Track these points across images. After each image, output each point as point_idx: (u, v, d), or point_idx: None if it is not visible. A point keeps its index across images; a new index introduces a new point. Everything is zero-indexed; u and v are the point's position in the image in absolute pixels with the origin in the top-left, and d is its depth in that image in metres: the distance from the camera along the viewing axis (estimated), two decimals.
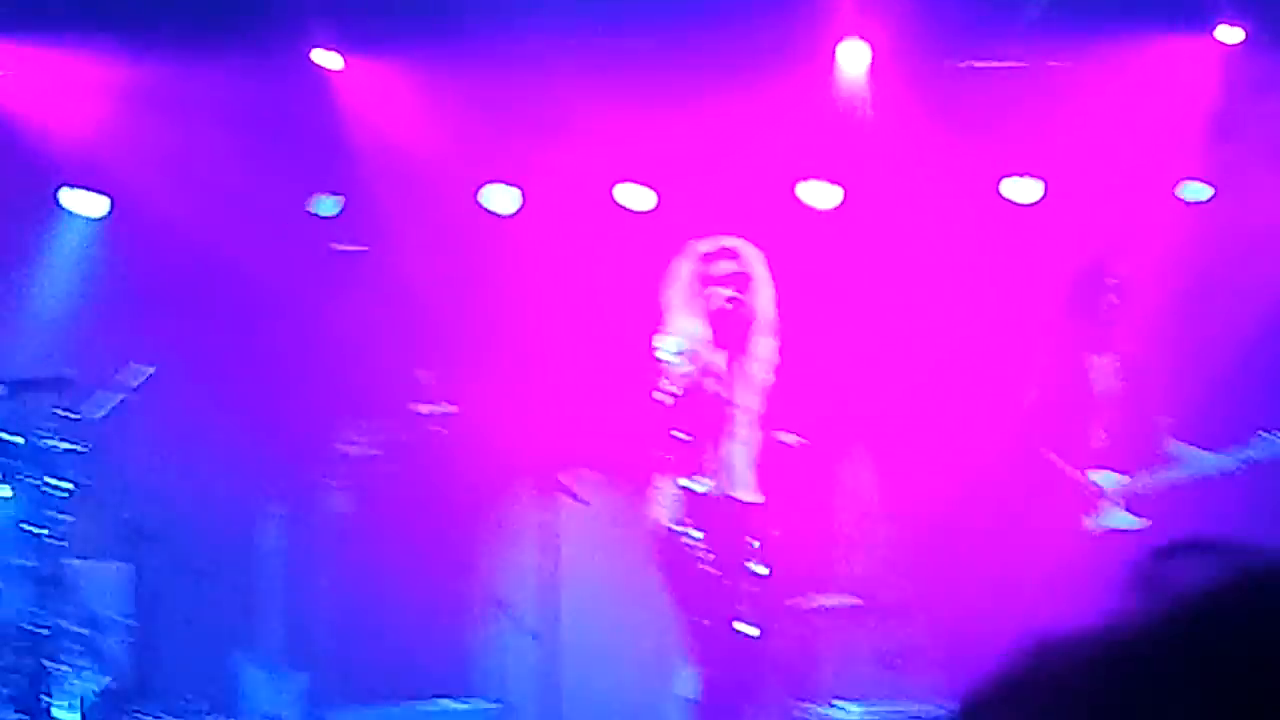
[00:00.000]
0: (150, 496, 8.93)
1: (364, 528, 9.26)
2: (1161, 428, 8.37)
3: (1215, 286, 9.58)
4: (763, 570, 7.27)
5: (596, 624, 9.73)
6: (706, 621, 7.16)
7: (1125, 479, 8.30)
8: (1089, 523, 8.25)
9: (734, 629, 7.17)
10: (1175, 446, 8.35)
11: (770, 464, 7.38)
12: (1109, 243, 8.98)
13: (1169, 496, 8.27)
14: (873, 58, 9.42)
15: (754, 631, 7.22)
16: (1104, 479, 8.29)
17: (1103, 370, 8.44)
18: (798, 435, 7.43)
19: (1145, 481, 8.31)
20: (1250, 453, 8.10)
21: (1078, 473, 8.31)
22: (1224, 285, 9.66)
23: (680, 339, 7.28)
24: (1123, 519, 8.25)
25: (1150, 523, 8.19)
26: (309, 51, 9.33)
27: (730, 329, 7.27)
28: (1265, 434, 8.10)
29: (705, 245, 7.44)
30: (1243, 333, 9.52)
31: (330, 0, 9.17)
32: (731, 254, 7.39)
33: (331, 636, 9.09)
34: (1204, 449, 8.28)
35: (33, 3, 8.90)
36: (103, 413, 8.50)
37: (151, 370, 8.78)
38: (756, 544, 7.25)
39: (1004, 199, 10.06)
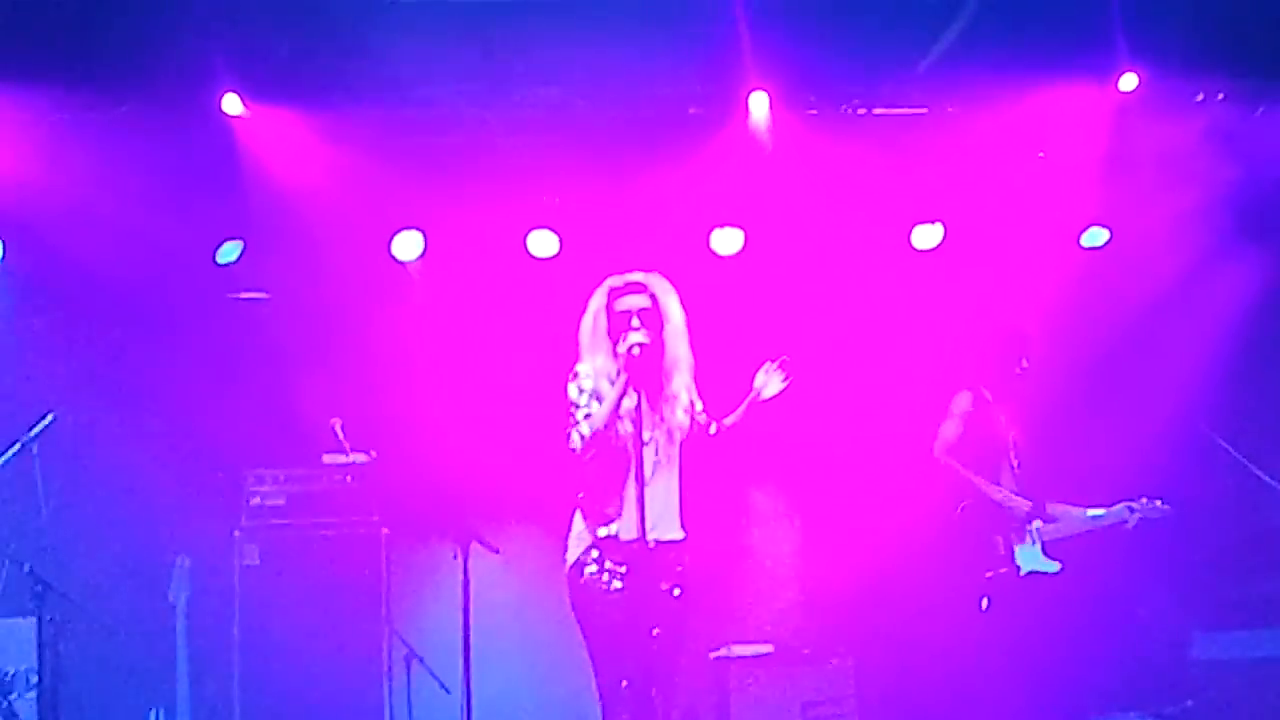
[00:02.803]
0: (54, 548, 8.72)
1: (274, 578, 9.07)
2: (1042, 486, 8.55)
3: (1110, 331, 9.75)
4: (679, 615, 7.21)
5: (510, 674, 9.57)
6: (619, 669, 6.98)
7: (1040, 523, 8.43)
8: (1016, 555, 8.33)
9: (647, 677, 6.98)
10: (1050, 506, 8.54)
11: (686, 505, 7.20)
12: (1015, 283, 9.11)
13: (1082, 542, 8.41)
14: (774, 106, 9.47)
15: (666, 679, 7.15)
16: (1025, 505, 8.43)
17: (1004, 418, 8.59)
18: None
19: (1055, 528, 8.46)
20: (1132, 510, 8.38)
21: (1003, 493, 8.40)
22: (1119, 329, 9.84)
23: (589, 379, 7.14)
24: (1042, 561, 8.39)
25: (1061, 567, 8.33)
26: (215, 99, 9.22)
27: (642, 368, 7.03)
28: (1141, 501, 8.39)
29: (615, 280, 7.26)
30: (1137, 378, 9.69)
31: (235, 48, 9.07)
32: (641, 289, 7.21)
33: (243, 690, 8.90)
34: (1090, 500, 8.49)
35: None
36: (2, 462, 8.33)
37: (52, 418, 8.60)
38: (672, 582, 7.18)
39: (906, 242, 10.15)
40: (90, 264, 9.31)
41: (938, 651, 9.09)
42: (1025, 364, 8.63)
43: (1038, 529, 8.42)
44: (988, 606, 8.26)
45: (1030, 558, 8.40)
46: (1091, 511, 8.49)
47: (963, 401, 8.55)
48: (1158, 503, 8.38)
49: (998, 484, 8.49)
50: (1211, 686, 9.29)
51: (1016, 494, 8.48)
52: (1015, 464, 8.51)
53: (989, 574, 8.33)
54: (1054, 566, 8.39)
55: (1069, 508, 8.56)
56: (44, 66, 8.72)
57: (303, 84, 9.15)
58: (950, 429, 8.55)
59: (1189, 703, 9.43)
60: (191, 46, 8.68)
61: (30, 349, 9.45)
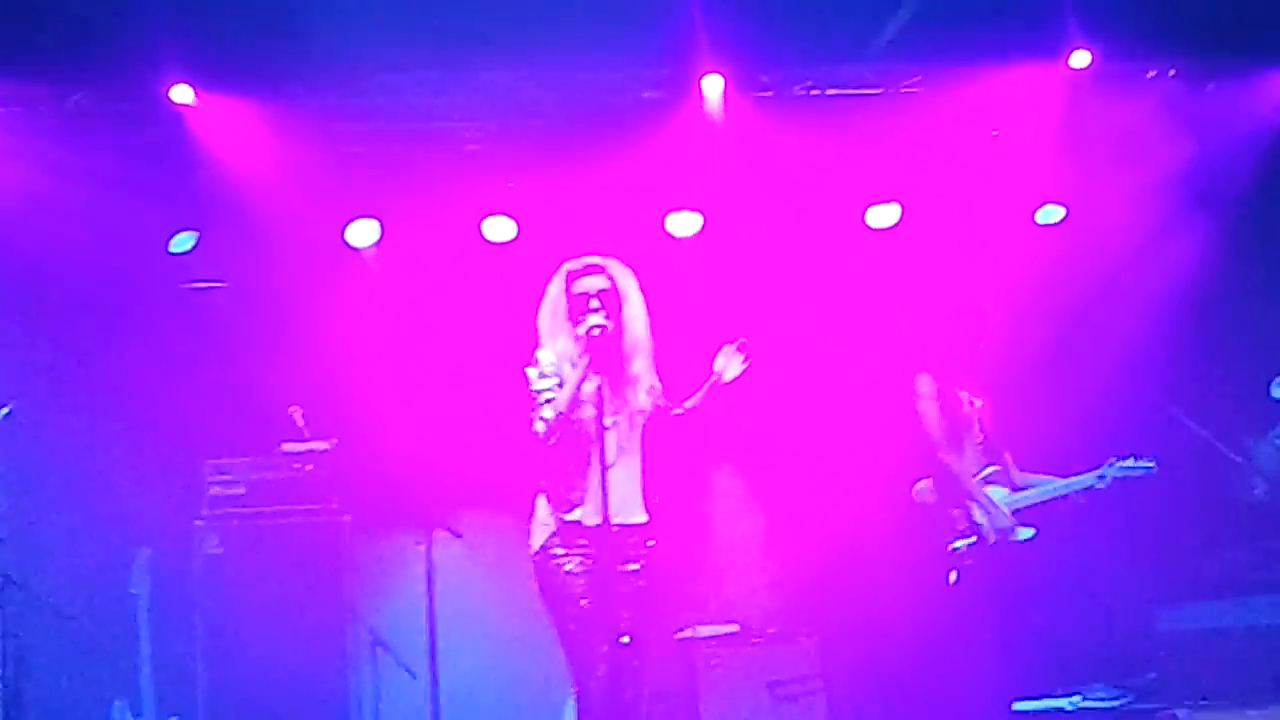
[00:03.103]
0: (15, 541, 8.61)
1: (236, 568, 9.02)
2: (1010, 455, 8.54)
3: (1067, 307, 9.81)
4: (644, 597, 7.23)
5: (475, 660, 9.56)
6: (586, 651, 7.03)
7: (1007, 491, 8.42)
8: (984, 532, 8.30)
9: (614, 659, 6.96)
10: (1023, 478, 8.54)
11: (649, 488, 7.25)
12: (972, 262, 9.14)
13: (1054, 508, 8.38)
14: (729, 89, 9.49)
15: (635, 662, 7.17)
16: (994, 493, 8.39)
17: (967, 397, 8.55)
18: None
19: (1023, 497, 8.44)
20: (1104, 473, 8.31)
21: (967, 477, 8.38)
22: (1076, 305, 9.90)
23: (549, 364, 7.10)
24: (1008, 500, 8.39)
25: (1036, 532, 8.32)
26: (165, 89, 9.17)
27: (602, 351, 7.02)
28: (1115, 460, 8.31)
29: (573, 264, 7.24)
30: (1096, 354, 9.75)
31: (186, 37, 9.02)
32: (598, 270, 7.20)
33: (208, 680, 8.85)
34: (1056, 472, 8.45)
35: None
36: None
37: (9, 409, 8.54)
38: (636, 565, 7.21)
39: (863, 223, 10.18)
40: (44, 256, 9.26)
41: (902, 627, 9.14)
42: (982, 343, 8.62)
43: (1013, 497, 8.43)
44: (956, 580, 8.28)
45: (998, 497, 8.42)
46: (1064, 482, 8.46)
47: (924, 384, 8.53)
48: (1130, 460, 8.33)
49: (964, 460, 8.46)
50: (1175, 658, 9.35)
51: (981, 468, 8.47)
52: (980, 440, 8.51)
53: (952, 548, 8.33)
54: (1027, 533, 8.38)
55: (1039, 476, 8.55)
56: None
57: (254, 72, 9.09)
58: (931, 418, 8.49)
59: (1152, 675, 9.49)
60: (142, 36, 8.62)
61: None
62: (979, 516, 8.30)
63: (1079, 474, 8.40)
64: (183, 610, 8.97)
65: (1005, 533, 8.30)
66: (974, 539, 8.29)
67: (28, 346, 9.38)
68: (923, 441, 8.44)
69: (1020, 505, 8.40)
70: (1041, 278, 9.62)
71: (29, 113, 8.98)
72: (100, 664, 8.98)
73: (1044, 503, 8.43)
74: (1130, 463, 8.33)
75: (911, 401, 8.49)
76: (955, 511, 8.36)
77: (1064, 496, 8.41)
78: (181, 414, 9.53)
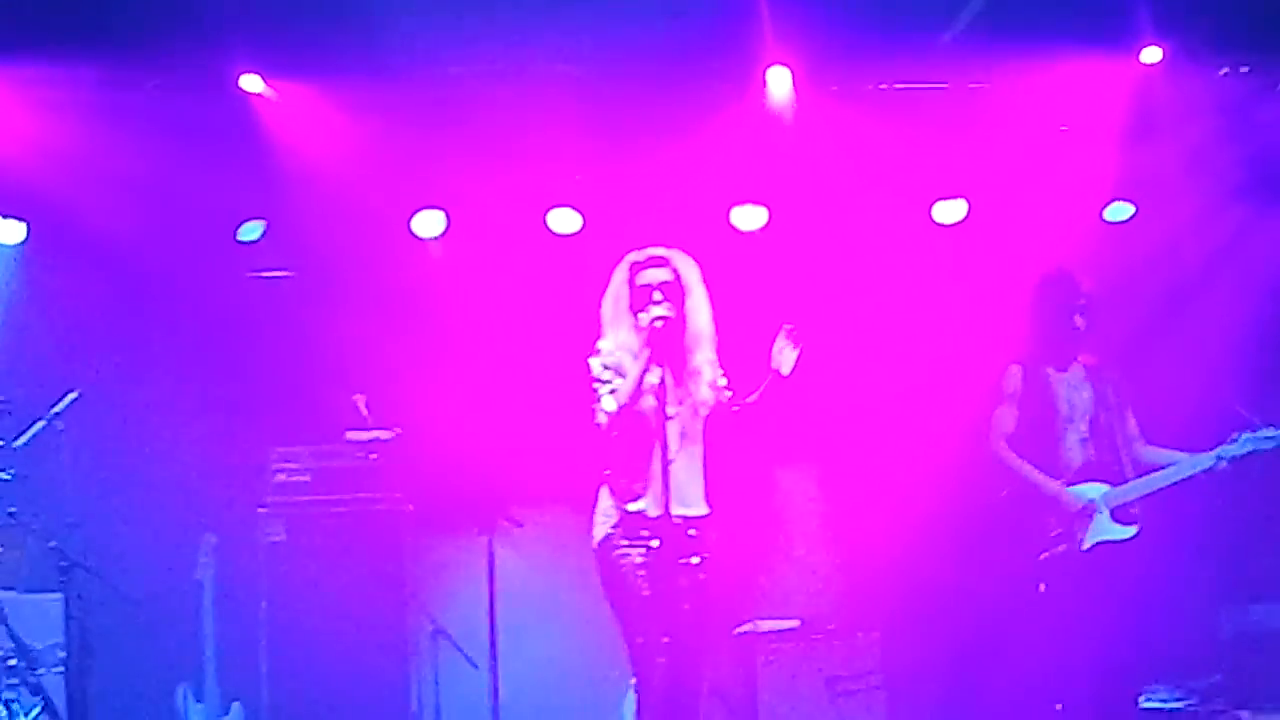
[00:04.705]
0: (79, 525, 8.72)
1: (300, 555, 9.12)
2: (1133, 434, 8.26)
3: (1135, 307, 9.73)
4: (705, 590, 7.24)
5: (536, 650, 9.58)
6: (647, 643, 6.97)
7: (1109, 489, 8.14)
8: (1078, 537, 8.09)
9: (675, 652, 6.95)
10: (1150, 451, 8.25)
11: (711, 481, 7.19)
12: (1040, 258, 9.06)
13: (1155, 502, 8.16)
14: (795, 82, 9.48)
15: (695, 655, 7.18)
16: (1089, 490, 8.13)
17: (1067, 384, 8.28)
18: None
19: (1130, 490, 8.15)
20: (1229, 450, 8.00)
21: (1057, 486, 8.13)
22: (1145, 305, 9.83)
23: (612, 355, 7.11)
24: (1112, 529, 8.13)
25: (1139, 530, 8.14)
26: (235, 77, 9.25)
27: (665, 342, 7.03)
28: (1239, 434, 8.01)
29: (637, 255, 7.26)
30: (1166, 353, 9.65)
31: (256, 25, 9.09)
32: (663, 262, 7.20)
33: (270, 666, 8.93)
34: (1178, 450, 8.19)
35: None
36: (29, 439, 8.39)
37: (76, 395, 8.62)
38: (698, 557, 7.22)
39: (929, 218, 10.15)
40: (114, 243, 9.36)
41: (966, 626, 9.11)
42: (1080, 321, 8.28)
43: (1103, 500, 8.15)
44: (1044, 589, 8.13)
45: (1098, 530, 8.15)
46: (1179, 464, 8.14)
47: (1013, 379, 8.30)
48: (1270, 431, 7.98)
49: (1060, 458, 8.22)
50: (1239, 660, 9.27)
51: (1085, 466, 8.23)
52: (1085, 431, 8.25)
53: (1044, 555, 8.12)
54: (1127, 532, 8.12)
55: (1166, 451, 8.27)
56: (64, 47, 8.73)
57: (323, 61, 9.16)
58: (1003, 416, 8.27)
59: (1216, 676, 9.43)
60: (213, 24, 8.68)
61: (56, 327, 9.46)
62: (1069, 520, 8.13)
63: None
64: (246, 596, 9.06)
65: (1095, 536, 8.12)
66: (1064, 546, 8.12)
67: (97, 333, 9.50)
68: (1001, 438, 8.27)
69: (1122, 502, 8.16)
70: (1108, 276, 9.56)
71: (101, 102, 9.03)
72: (164, 649, 9.06)
73: (1152, 493, 8.16)
74: (1271, 432, 7.99)
75: (990, 396, 8.36)
76: (1049, 519, 8.15)
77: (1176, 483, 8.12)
78: (247, 401, 9.61)
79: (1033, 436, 8.23)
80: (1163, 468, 8.18)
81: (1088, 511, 8.11)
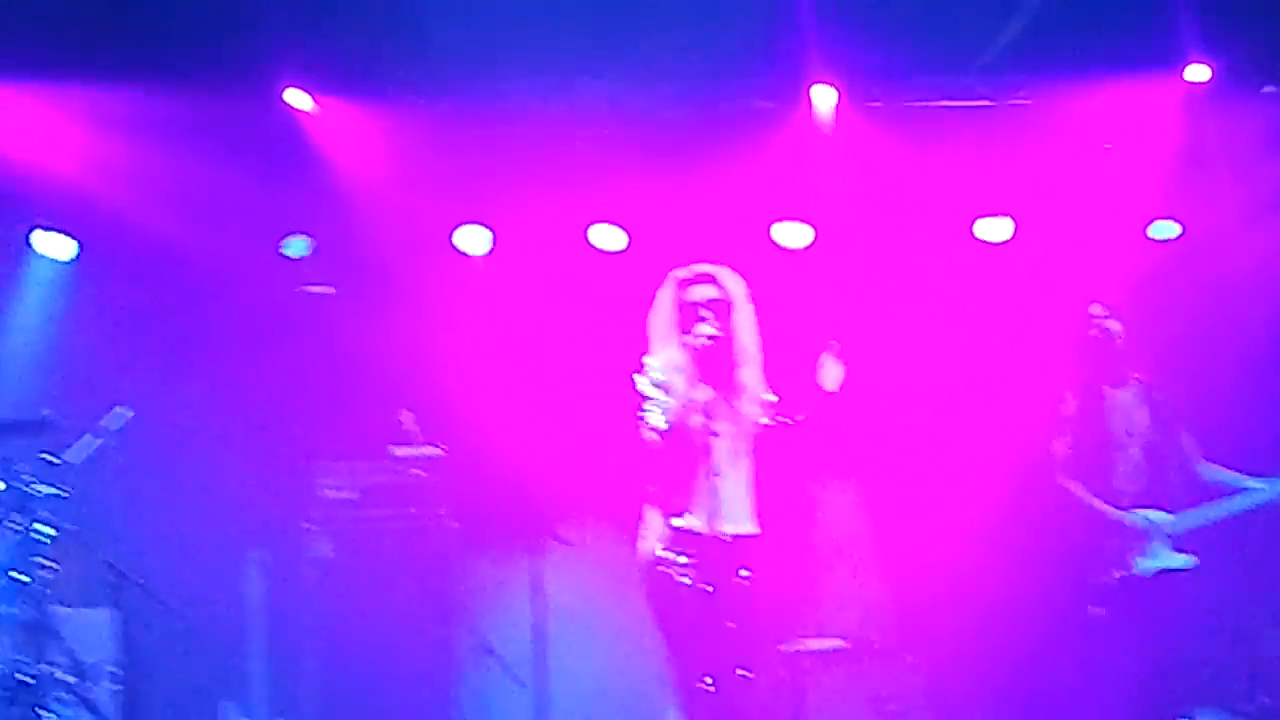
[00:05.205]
0: (133, 541, 8.82)
1: (346, 572, 9.14)
2: (1190, 453, 8.19)
3: (1192, 318, 9.67)
4: (751, 608, 7.24)
5: (582, 668, 9.57)
6: (693, 662, 6.93)
7: (1170, 516, 8.08)
8: (1137, 563, 8.03)
9: (721, 670, 6.94)
10: (1209, 470, 8.18)
11: (758, 498, 7.19)
12: (1086, 277, 9.05)
13: (1217, 530, 8.10)
14: (841, 100, 9.49)
15: (741, 673, 7.18)
16: (1150, 517, 8.07)
17: (1123, 403, 8.22)
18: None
19: (1190, 518, 8.11)
20: None
21: (1114, 511, 8.08)
22: (1201, 316, 9.77)
23: (659, 373, 7.08)
24: (1172, 558, 8.07)
25: (1197, 560, 8.06)
26: (281, 93, 9.33)
27: (712, 360, 7.07)
28: None
29: (683, 272, 7.27)
30: (1213, 374, 9.60)
31: (303, 42, 9.16)
32: (709, 279, 7.22)
33: (316, 683, 8.96)
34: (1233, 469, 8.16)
35: (6, 46, 8.87)
36: (83, 456, 8.44)
37: (130, 413, 8.67)
38: (745, 575, 7.18)
39: (974, 237, 10.14)
40: (161, 260, 9.44)
41: (1014, 650, 9.07)
42: (1120, 338, 8.22)
43: (1164, 527, 8.10)
44: (1096, 613, 8.10)
45: (1156, 557, 8.10)
46: (1240, 495, 8.10)
47: (1068, 402, 8.26)
48: None
49: (1117, 481, 8.17)
50: None
51: (1142, 487, 8.16)
52: (1142, 452, 8.19)
53: (1098, 579, 8.11)
54: (1187, 561, 8.08)
55: (1228, 471, 8.22)
56: (114, 64, 8.82)
57: (369, 78, 9.23)
58: (1060, 439, 8.23)
59: (1264, 699, 9.39)
60: (260, 41, 8.77)
61: (106, 343, 9.53)
62: (1126, 546, 8.08)
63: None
64: (293, 612, 9.11)
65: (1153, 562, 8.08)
66: (1120, 572, 8.08)
67: (146, 349, 9.55)
68: (1058, 461, 8.23)
69: (1185, 528, 8.09)
70: (1153, 294, 9.55)
71: (149, 119, 9.11)
72: (213, 664, 9.14)
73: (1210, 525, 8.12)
74: None
75: (1038, 415, 8.33)
76: (1108, 543, 8.10)
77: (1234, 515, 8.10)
78: (293, 417, 9.66)
79: (1090, 459, 8.18)
80: (1222, 489, 8.15)
81: (1146, 538, 8.07)
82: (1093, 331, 8.23)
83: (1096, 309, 8.24)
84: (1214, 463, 8.25)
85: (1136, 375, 8.27)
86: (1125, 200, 9.81)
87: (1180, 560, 8.09)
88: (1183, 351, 8.95)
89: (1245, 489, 8.13)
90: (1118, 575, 8.07)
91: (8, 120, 9.21)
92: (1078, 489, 8.16)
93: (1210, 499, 8.15)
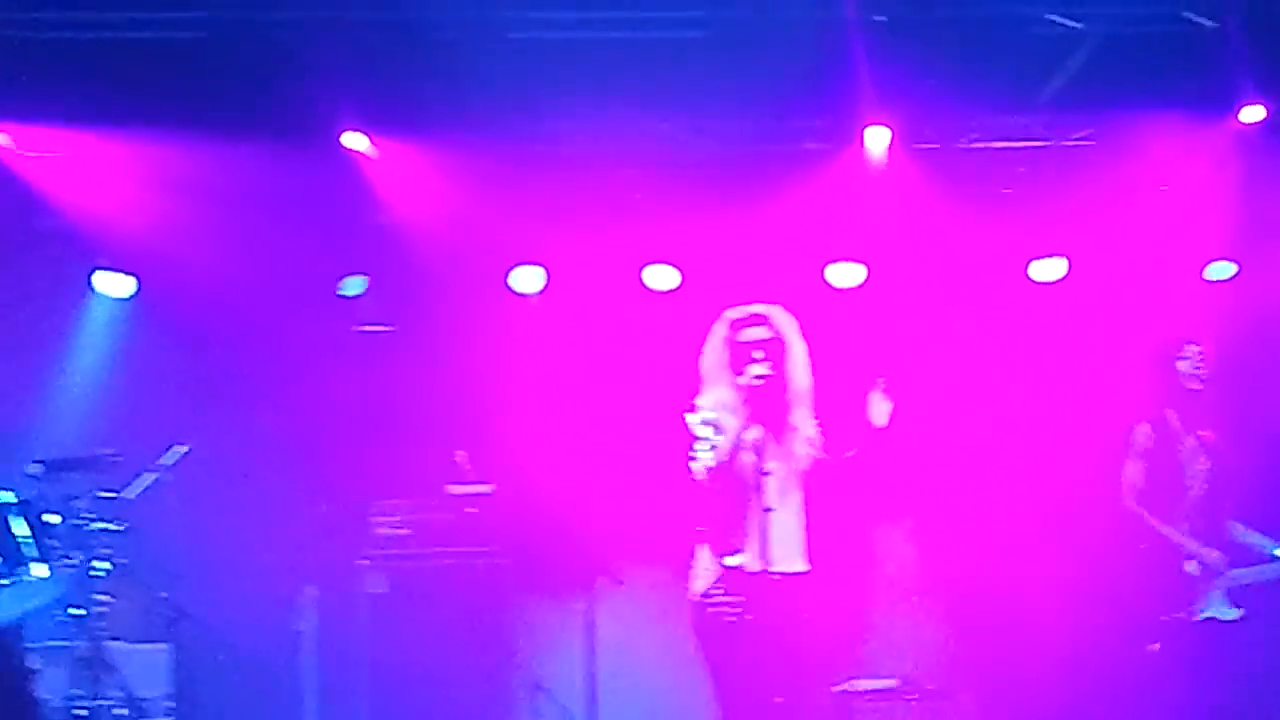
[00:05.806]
0: (187, 576, 8.86)
1: (400, 608, 9.19)
2: (1233, 512, 8.15)
3: (1246, 363, 9.60)
4: (803, 647, 7.23)
5: (634, 706, 9.58)
6: (742, 700, 6.96)
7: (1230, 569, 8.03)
8: (1196, 606, 7.97)
9: (771, 710, 6.92)
10: (1240, 532, 8.15)
11: (809, 537, 7.16)
12: (1140, 318, 9.01)
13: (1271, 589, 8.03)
14: (894, 141, 9.51)
15: (791, 713, 7.16)
16: (1215, 559, 8.01)
17: (1189, 447, 8.15)
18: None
19: (1249, 574, 8.05)
20: None
21: (1189, 542, 8.02)
22: (1258, 361, 9.71)
23: (710, 411, 7.07)
24: (1222, 608, 8.02)
25: (1244, 613, 8.02)
26: (338, 135, 9.42)
27: (764, 399, 7.07)
28: None
29: (736, 312, 7.28)
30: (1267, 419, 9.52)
31: (359, 85, 9.27)
32: (762, 320, 7.23)
33: (368, 718, 9.00)
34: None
35: (67, 89, 9.01)
36: (139, 491, 8.54)
37: (186, 449, 8.77)
38: (800, 623, 7.16)
39: (1028, 278, 10.16)
40: (220, 298, 9.54)
41: (1067, 689, 9.00)
42: (1198, 383, 8.19)
43: (1230, 574, 8.05)
44: (1157, 651, 7.98)
45: (1210, 605, 8.04)
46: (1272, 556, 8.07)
47: (1144, 436, 8.19)
48: None
49: (1179, 521, 8.11)
50: None
51: (1197, 524, 8.12)
52: (1202, 493, 8.13)
53: (1164, 617, 8.02)
54: (1234, 613, 8.02)
55: (1249, 533, 8.19)
56: (174, 108, 8.94)
57: (424, 120, 9.32)
58: (1134, 472, 8.16)
59: None
60: (317, 83, 8.86)
61: (164, 380, 9.63)
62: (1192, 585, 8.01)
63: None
64: (346, 648, 9.15)
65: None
66: (1182, 612, 8.01)
67: (203, 386, 9.66)
68: (1133, 494, 8.15)
69: (1240, 584, 8.05)
70: (1209, 335, 9.50)
71: (208, 159, 9.19)
72: (267, 700, 9.17)
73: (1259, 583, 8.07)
74: None
75: (1090, 452, 8.27)
76: (1180, 581, 8.03)
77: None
78: (349, 454, 9.72)
79: (1159, 495, 8.12)
80: (1250, 553, 8.09)
81: (1209, 581, 8.02)
82: (1182, 366, 8.16)
83: (1192, 348, 8.18)
84: (1242, 523, 8.19)
85: (1201, 430, 8.19)
86: (1181, 241, 9.78)
87: (1230, 612, 8.03)
88: (1238, 396, 8.90)
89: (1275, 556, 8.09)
90: (1180, 614, 8.00)
91: (72, 165, 9.35)
92: (1148, 516, 8.09)
93: (1240, 562, 8.09)
